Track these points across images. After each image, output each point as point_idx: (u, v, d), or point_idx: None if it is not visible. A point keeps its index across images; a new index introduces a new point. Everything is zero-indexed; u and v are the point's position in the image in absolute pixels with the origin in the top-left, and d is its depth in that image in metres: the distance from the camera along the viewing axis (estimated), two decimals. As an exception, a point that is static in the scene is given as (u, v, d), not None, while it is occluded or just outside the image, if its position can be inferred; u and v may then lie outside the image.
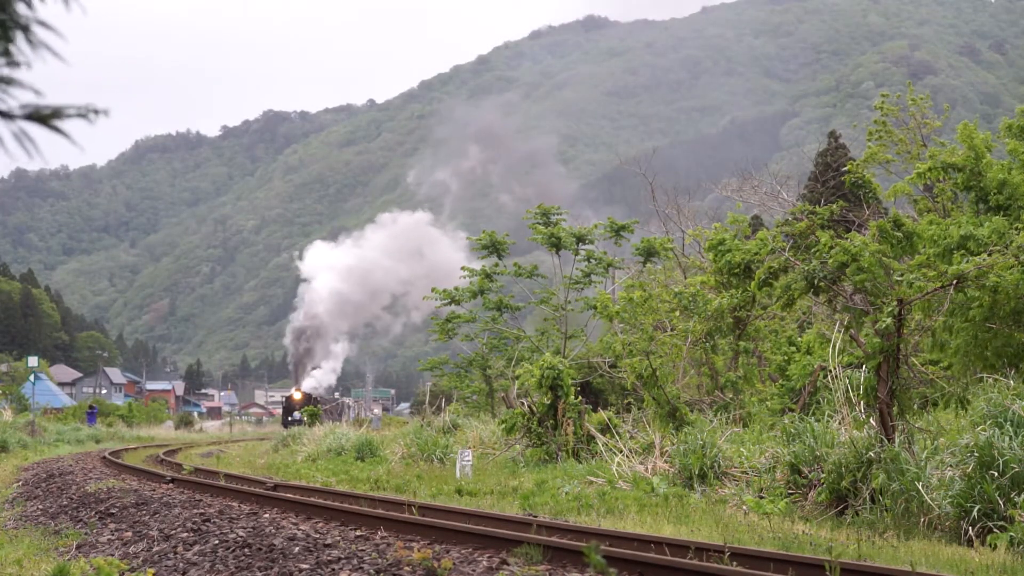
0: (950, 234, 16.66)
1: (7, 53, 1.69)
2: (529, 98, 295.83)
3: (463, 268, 35.04)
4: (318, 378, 75.79)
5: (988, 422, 11.63)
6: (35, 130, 1.76)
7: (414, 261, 67.07)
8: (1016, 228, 16.70)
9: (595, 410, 22.27)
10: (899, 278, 13.86)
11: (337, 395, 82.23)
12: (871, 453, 12.21)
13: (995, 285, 14.33)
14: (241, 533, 10.33)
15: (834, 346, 16.62)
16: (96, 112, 1.75)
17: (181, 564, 9.08)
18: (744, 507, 12.86)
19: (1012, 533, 9.61)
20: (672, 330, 23.87)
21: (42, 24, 1.71)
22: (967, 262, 14.00)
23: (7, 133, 1.71)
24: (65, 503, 14.94)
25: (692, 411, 20.37)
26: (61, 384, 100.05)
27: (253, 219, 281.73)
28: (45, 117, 1.70)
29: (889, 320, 12.81)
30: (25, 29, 1.69)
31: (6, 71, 1.71)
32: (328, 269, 73.55)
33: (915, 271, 14.10)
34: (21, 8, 1.70)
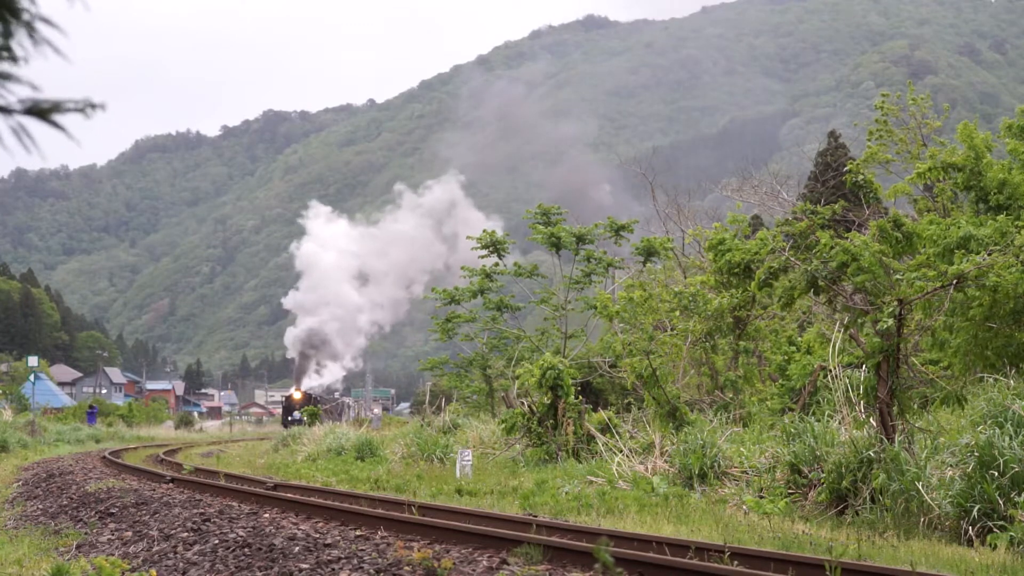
0: (950, 234, 16.65)
1: (7, 48, 1.69)
2: (529, 98, 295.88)
3: (463, 268, 35.07)
4: (345, 364, 69.56)
5: (988, 422, 11.63)
6: (34, 127, 1.76)
7: (443, 239, 60.31)
8: (1017, 227, 16.70)
9: (595, 410, 22.26)
10: (899, 278, 13.85)
11: (337, 395, 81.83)
12: (871, 453, 12.21)
13: (995, 285, 14.32)
14: (241, 533, 10.33)
15: (834, 346, 16.62)
16: (93, 107, 1.75)
17: (181, 564, 9.08)
18: (744, 507, 12.86)
19: (1012, 533, 9.61)
20: (672, 330, 23.86)
21: (44, 20, 1.71)
22: (967, 261, 13.99)
23: (5, 128, 1.71)
24: (65, 503, 14.94)
25: (692, 411, 20.36)
26: (61, 384, 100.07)
27: (253, 219, 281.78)
28: (44, 111, 1.70)
29: (891, 321, 12.80)
30: (27, 25, 1.69)
31: (5, 66, 1.71)
32: (341, 239, 65.55)
33: (915, 271, 14.09)
34: (23, 3, 1.69)
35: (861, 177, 26.61)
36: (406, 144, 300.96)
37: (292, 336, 71.30)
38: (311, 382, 67.88)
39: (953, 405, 14.96)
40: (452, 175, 73.02)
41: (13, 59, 1.70)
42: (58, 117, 1.72)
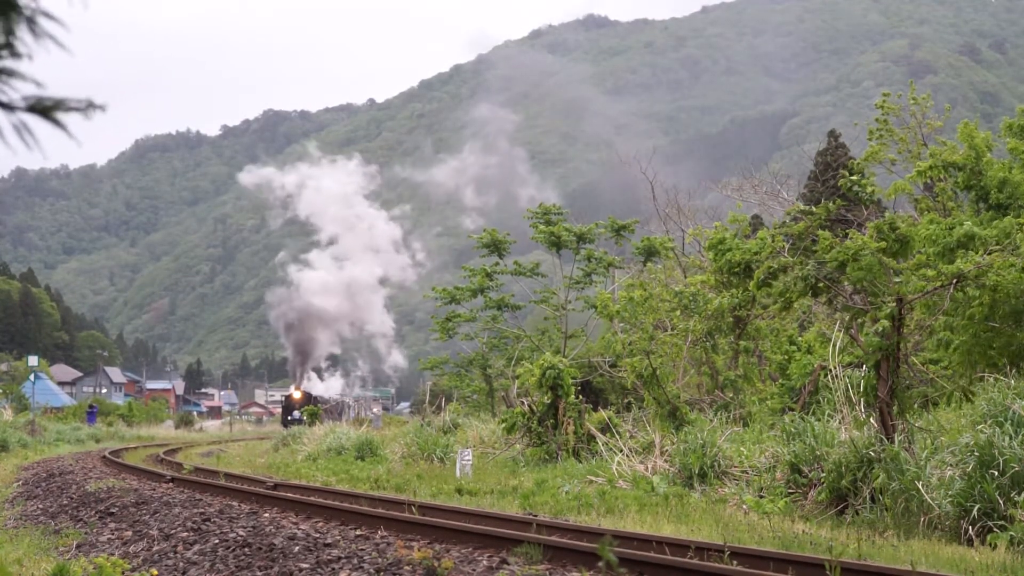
0: (952, 234, 16.65)
1: (9, 45, 1.69)
2: (528, 97, 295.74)
3: (463, 268, 35.11)
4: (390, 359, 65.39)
5: (988, 421, 11.63)
6: (36, 125, 1.76)
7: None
8: (1019, 224, 16.69)
9: (595, 409, 22.25)
10: (898, 280, 13.84)
11: (337, 395, 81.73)
12: (871, 452, 12.20)
13: (995, 284, 14.32)
14: (241, 532, 10.32)
15: (834, 345, 16.62)
16: (94, 107, 1.75)
17: (181, 563, 9.08)
18: (744, 506, 12.86)
19: (1012, 532, 9.60)
20: (672, 329, 23.85)
21: (46, 14, 1.71)
22: (966, 261, 13.99)
23: (7, 125, 1.71)
24: (65, 502, 14.94)
25: (692, 410, 20.36)
26: (61, 383, 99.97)
27: (253, 218, 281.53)
28: (47, 109, 1.70)
29: (887, 323, 12.79)
30: (29, 20, 1.69)
31: (8, 62, 1.70)
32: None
33: (915, 270, 14.09)
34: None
35: (856, 178, 26.55)
36: (406, 143, 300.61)
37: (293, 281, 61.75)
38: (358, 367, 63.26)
39: (960, 402, 14.94)
40: (505, 112, 67.22)
41: (16, 55, 1.70)
42: (60, 116, 1.72)
